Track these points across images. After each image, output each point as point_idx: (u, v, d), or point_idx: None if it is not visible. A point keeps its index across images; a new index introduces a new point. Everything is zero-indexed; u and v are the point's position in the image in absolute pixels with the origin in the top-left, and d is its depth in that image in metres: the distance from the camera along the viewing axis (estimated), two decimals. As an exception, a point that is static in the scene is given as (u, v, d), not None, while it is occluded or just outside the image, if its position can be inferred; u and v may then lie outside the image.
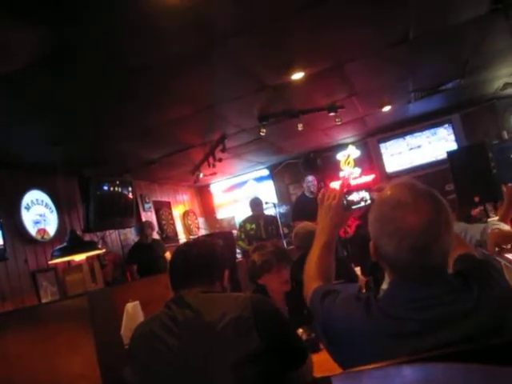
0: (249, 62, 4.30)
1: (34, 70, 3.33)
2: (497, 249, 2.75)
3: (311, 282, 1.61)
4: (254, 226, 7.28)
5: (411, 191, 1.32)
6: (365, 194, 1.73)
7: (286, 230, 7.33)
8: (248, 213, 7.72)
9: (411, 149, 9.21)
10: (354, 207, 1.75)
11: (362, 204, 1.73)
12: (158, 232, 8.10)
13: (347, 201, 1.74)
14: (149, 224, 7.26)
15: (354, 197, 1.74)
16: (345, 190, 1.75)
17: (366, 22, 4.08)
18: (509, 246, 2.72)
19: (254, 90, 5.05)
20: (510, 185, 3.30)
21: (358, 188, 1.76)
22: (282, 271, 2.87)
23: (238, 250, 7.79)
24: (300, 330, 2.59)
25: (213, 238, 3.07)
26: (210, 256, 1.92)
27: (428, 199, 1.30)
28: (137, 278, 6.64)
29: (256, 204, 7.44)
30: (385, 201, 1.35)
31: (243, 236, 7.28)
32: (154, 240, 7.34)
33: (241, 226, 7.54)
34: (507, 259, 2.63)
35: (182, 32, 3.41)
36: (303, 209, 7.19)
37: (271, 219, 7.40)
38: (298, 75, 4.86)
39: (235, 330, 1.64)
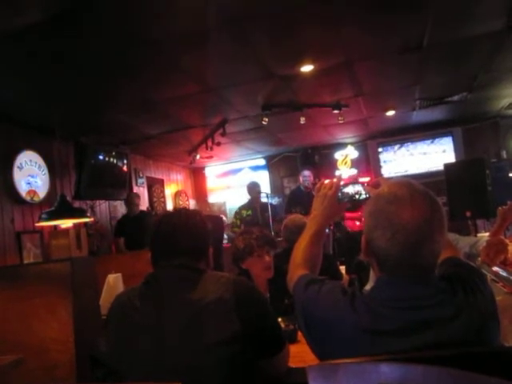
0: (259, 48, 4.27)
1: (39, 28, 3.28)
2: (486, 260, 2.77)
3: (297, 269, 1.61)
4: (250, 212, 7.27)
5: (409, 188, 1.32)
6: (360, 189, 1.73)
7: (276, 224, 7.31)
8: (241, 200, 7.69)
9: (409, 157, 9.22)
10: (347, 200, 1.75)
11: (356, 198, 1.74)
12: (147, 208, 8.08)
13: (342, 193, 1.74)
14: (135, 195, 7.21)
15: (349, 190, 1.75)
16: (341, 182, 1.76)
17: (380, 25, 4.07)
18: (502, 258, 2.74)
19: (261, 77, 5.02)
20: (504, 207, 3.32)
21: (355, 181, 1.77)
22: (263, 256, 2.87)
23: (225, 236, 7.78)
24: (279, 320, 2.59)
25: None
26: (200, 232, 1.88)
27: (424, 197, 1.31)
28: (124, 251, 6.58)
29: (254, 186, 7.44)
30: (382, 195, 1.35)
31: (239, 223, 7.27)
32: (142, 211, 7.27)
33: (237, 213, 7.49)
34: (494, 273, 2.63)
35: (197, 10, 3.38)
36: (297, 201, 7.19)
37: (266, 206, 7.38)
38: (307, 68, 4.84)
39: (215, 310, 1.62)
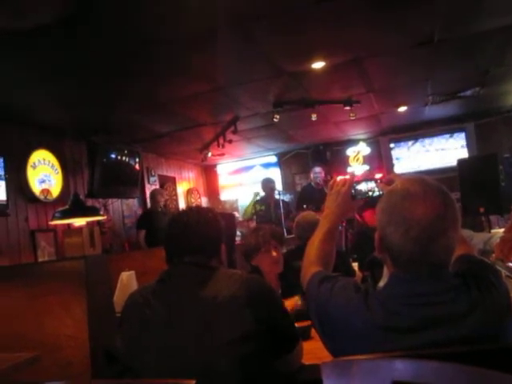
0: (269, 46, 4.27)
1: (50, 29, 3.29)
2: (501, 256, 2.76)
3: (310, 266, 1.61)
4: (263, 207, 7.30)
5: (422, 184, 1.33)
6: (373, 186, 1.73)
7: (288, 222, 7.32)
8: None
9: (421, 153, 9.15)
10: (360, 197, 1.75)
11: (370, 195, 1.73)
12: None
13: (355, 190, 1.74)
14: (158, 192, 7.26)
15: (363, 187, 1.75)
16: (354, 179, 1.75)
17: (391, 20, 4.05)
18: None
19: (271, 74, 5.02)
20: None
21: (368, 178, 1.76)
22: (270, 251, 2.87)
23: (237, 233, 7.80)
24: (296, 298, 2.60)
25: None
26: (212, 229, 1.88)
27: (438, 193, 1.31)
28: (143, 245, 6.57)
29: (268, 182, 7.52)
30: (395, 192, 1.35)
31: (253, 211, 7.35)
32: (166, 207, 7.33)
33: (252, 205, 7.64)
34: (509, 269, 2.62)
35: (205, 9, 3.38)
36: (308, 198, 7.19)
37: (278, 203, 7.40)
38: (318, 64, 4.82)
39: (228, 308, 1.62)
